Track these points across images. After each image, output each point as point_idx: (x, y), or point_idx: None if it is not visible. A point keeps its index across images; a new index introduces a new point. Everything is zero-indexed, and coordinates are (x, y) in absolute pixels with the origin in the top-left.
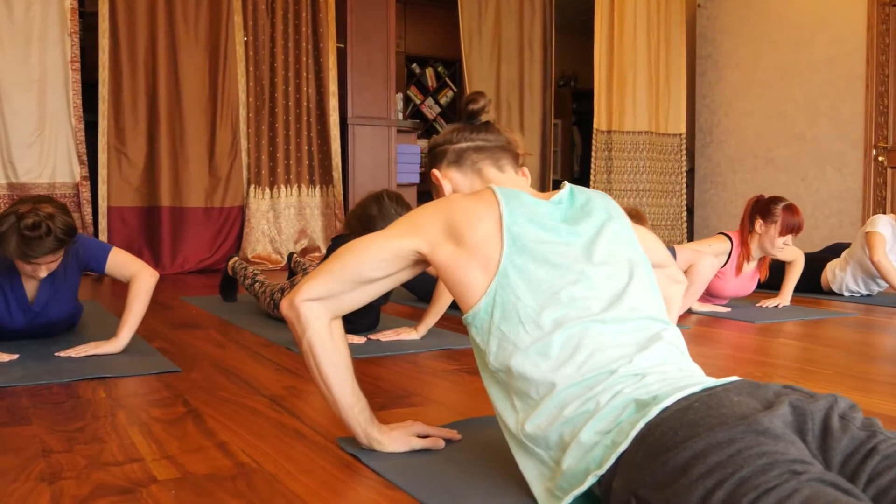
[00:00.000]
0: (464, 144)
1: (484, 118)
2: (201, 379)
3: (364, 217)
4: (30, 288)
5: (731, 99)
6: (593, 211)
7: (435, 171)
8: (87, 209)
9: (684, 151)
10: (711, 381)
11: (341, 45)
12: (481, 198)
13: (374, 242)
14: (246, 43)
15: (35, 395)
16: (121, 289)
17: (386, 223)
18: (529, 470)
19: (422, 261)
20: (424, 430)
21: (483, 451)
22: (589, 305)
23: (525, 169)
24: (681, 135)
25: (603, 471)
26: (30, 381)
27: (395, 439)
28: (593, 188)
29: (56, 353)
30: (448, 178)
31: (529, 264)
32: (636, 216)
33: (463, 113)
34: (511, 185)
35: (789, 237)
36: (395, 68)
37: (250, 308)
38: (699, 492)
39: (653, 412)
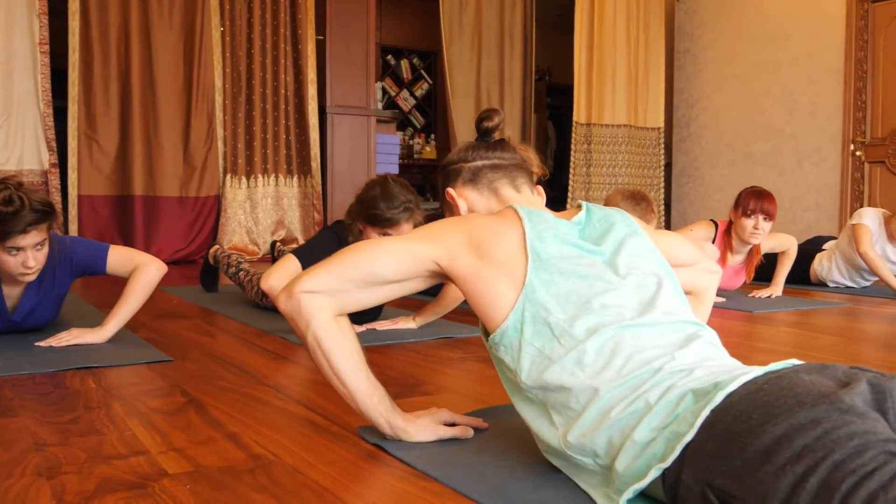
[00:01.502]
0: (479, 163)
1: (498, 135)
2: (196, 368)
3: (366, 199)
4: (12, 295)
5: (709, 93)
6: (613, 228)
7: (450, 190)
8: (57, 198)
9: (662, 146)
10: (773, 365)
11: (321, 38)
12: (504, 215)
13: (392, 243)
14: (222, 32)
15: (18, 386)
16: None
17: (388, 204)
18: (583, 482)
19: (437, 273)
20: (451, 417)
21: (515, 439)
22: (622, 313)
23: (540, 188)
24: (659, 129)
25: (667, 464)
26: (10, 371)
27: (421, 428)
28: (572, 181)
29: (36, 343)
30: (464, 196)
31: (556, 277)
32: (643, 199)
33: (477, 130)
34: (527, 204)
35: (759, 220)
36: (374, 58)
37: (234, 298)
38: (789, 479)
39: (718, 397)
